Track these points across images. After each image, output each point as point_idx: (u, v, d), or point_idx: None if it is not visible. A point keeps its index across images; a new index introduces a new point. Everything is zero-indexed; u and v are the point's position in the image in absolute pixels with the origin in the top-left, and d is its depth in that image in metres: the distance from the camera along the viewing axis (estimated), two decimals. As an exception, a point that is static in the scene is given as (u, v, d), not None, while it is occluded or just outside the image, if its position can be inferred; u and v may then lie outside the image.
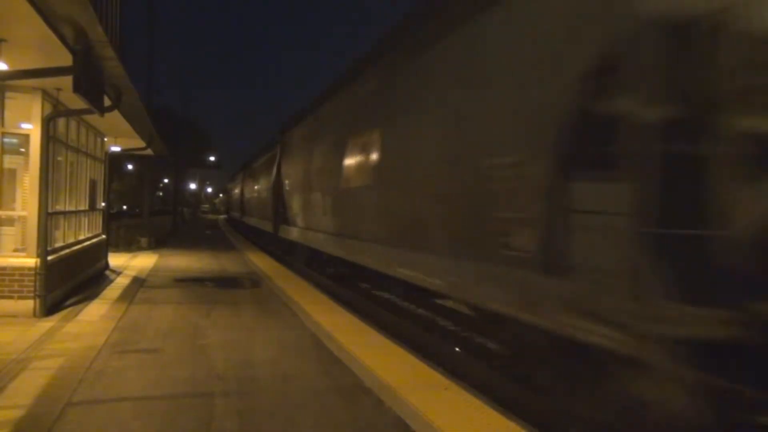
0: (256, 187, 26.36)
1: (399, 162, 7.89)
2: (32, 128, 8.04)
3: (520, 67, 5.06)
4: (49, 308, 7.95)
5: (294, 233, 15.75)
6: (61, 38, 6.03)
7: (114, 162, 17.02)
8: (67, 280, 9.35)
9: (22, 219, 8.17)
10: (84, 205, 11.28)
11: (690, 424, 3.40)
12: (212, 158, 59.36)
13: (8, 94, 7.94)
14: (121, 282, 11.41)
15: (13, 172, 8.54)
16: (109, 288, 10.55)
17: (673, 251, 3.46)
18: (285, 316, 8.54)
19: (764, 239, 3.14)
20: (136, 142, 14.43)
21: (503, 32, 5.35)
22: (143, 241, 19.63)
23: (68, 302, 8.83)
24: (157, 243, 20.66)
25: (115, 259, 14.64)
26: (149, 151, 16.01)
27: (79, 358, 5.79)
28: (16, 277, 7.73)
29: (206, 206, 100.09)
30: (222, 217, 65.92)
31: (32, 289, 7.72)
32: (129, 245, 19.03)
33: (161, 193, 67.31)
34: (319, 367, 5.90)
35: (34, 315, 7.66)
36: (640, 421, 3.81)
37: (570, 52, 4.34)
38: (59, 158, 9.31)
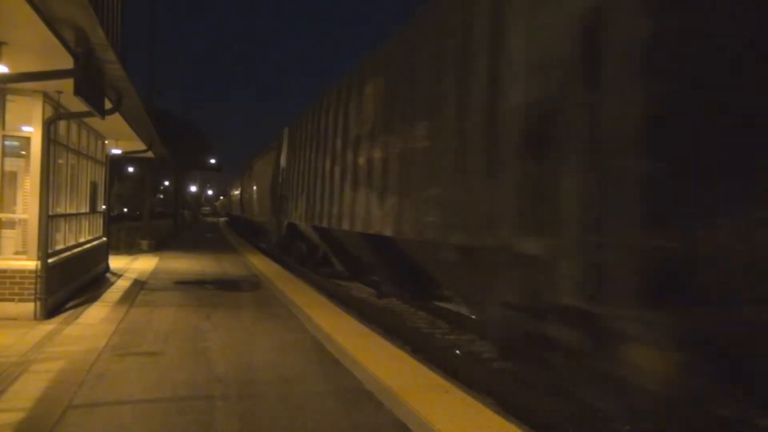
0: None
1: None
2: (33, 131, 8.03)
3: None
4: (50, 311, 7.94)
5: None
6: (62, 41, 6.03)
7: (115, 165, 17.02)
8: (68, 283, 9.35)
9: (23, 222, 8.16)
10: (85, 208, 11.28)
11: None
12: (213, 161, 59.27)
13: (9, 97, 7.94)
14: (121, 285, 11.41)
15: (13, 175, 8.54)
16: (109, 291, 10.55)
17: None
18: (285, 318, 8.54)
19: None
20: (137, 145, 14.44)
21: None
22: (144, 243, 19.64)
23: (69, 305, 8.82)
24: (158, 245, 20.65)
25: (115, 262, 14.64)
26: (150, 154, 16.03)
27: (79, 361, 5.79)
28: (17, 280, 7.72)
29: (207, 209, 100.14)
30: (223, 219, 65.88)
31: (33, 291, 7.72)
32: (130, 248, 19.04)
33: (162, 196, 67.25)
34: (319, 369, 5.90)
35: (35, 318, 7.65)
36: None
37: None
38: (60, 161, 9.31)
